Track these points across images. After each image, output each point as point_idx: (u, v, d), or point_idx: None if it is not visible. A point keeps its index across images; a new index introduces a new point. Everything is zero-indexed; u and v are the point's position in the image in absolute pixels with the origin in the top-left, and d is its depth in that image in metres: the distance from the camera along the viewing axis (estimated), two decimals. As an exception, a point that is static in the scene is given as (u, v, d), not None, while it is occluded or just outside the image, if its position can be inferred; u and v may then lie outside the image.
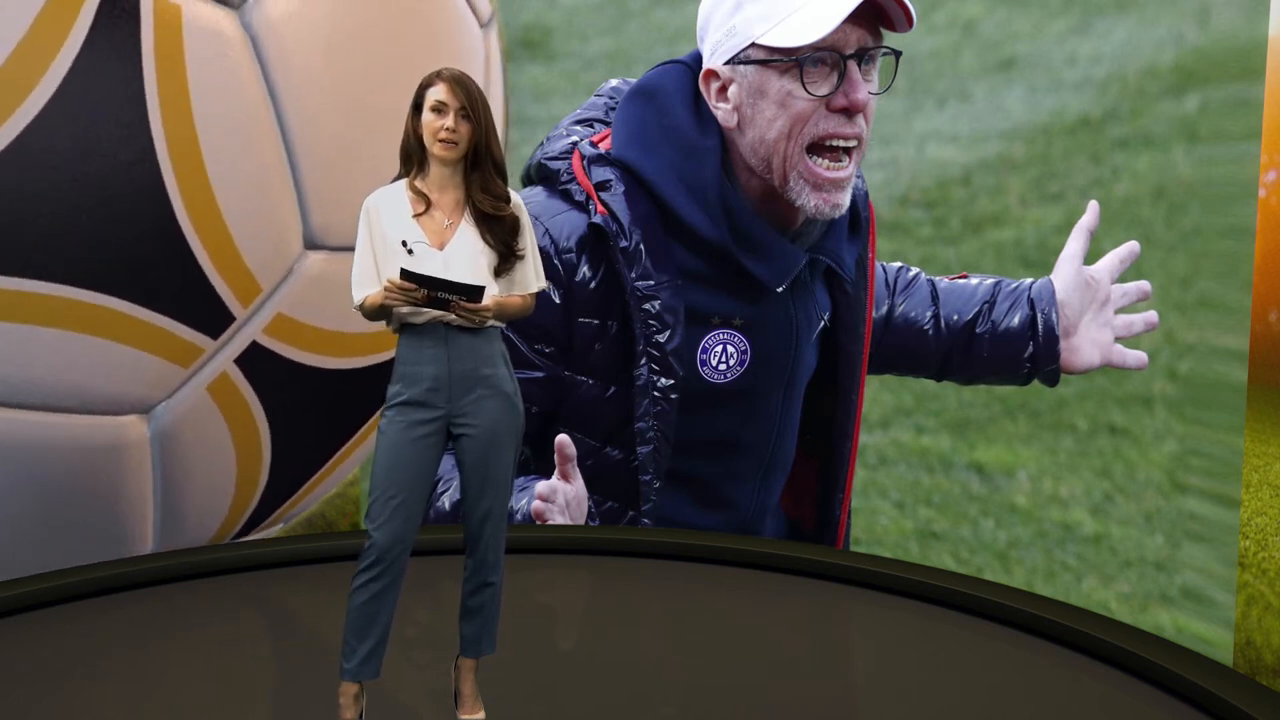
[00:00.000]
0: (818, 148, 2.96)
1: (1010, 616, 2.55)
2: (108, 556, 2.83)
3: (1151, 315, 3.44)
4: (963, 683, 2.34)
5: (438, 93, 1.92)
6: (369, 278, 1.94)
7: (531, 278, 2.00)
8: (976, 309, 3.40)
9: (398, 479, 1.92)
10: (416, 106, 1.95)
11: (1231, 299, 3.67)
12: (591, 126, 3.24)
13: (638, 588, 2.85)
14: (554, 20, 5.02)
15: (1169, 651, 2.31)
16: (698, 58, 3.10)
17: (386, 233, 1.93)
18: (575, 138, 3.19)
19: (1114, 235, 3.66)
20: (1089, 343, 3.39)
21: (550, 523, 2.94)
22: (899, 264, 3.52)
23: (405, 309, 1.91)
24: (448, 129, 1.91)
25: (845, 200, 3.00)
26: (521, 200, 2.00)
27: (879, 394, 4.48)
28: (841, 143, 2.95)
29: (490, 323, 1.94)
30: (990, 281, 3.45)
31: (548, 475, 2.99)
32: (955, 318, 3.40)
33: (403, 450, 1.93)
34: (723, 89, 3.02)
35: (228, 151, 2.71)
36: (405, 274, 1.86)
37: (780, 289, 3.05)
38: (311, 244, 2.91)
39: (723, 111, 3.03)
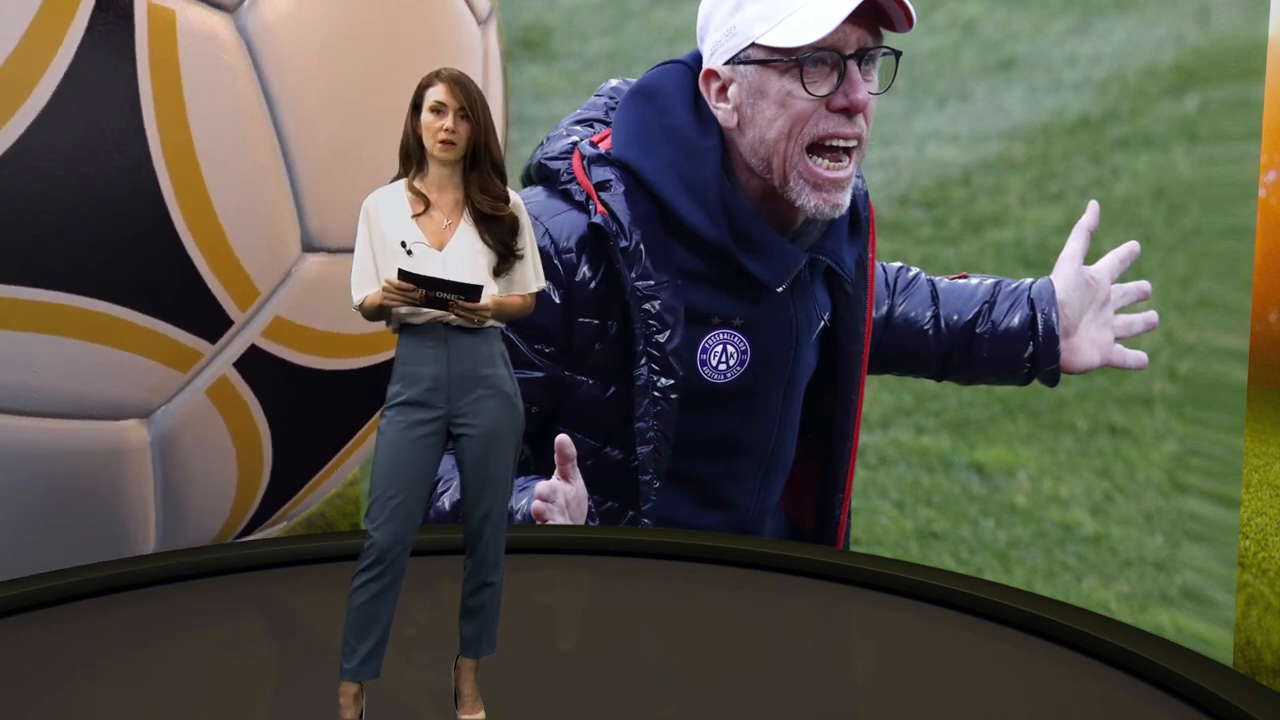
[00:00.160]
0: (818, 148, 2.96)
1: (1010, 616, 2.55)
2: (109, 558, 2.83)
3: (1151, 315, 3.44)
4: (963, 683, 2.34)
5: (437, 93, 1.92)
6: (368, 278, 1.94)
7: (531, 278, 2.00)
8: (976, 309, 3.40)
9: (398, 479, 1.92)
10: (415, 107, 1.95)
11: (1231, 299, 3.67)
12: (591, 126, 3.24)
13: (638, 588, 2.85)
14: (554, 20, 5.02)
15: (1169, 651, 2.31)
16: (698, 58, 3.10)
17: (386, 233, 1.93)
18: (575, 138, 3.19)
19: (1114, 235, 3.66)
20: (1089, 343, 3.39)
21: (550, 523, 2.94)
22: (899, 264, 3.52)
23: (404, 309, 1.91)
24: (446, 129, 1.91)
25: (845, 200, 3.00)
26: (521, 200, 2.00)
27: (879, 394, 4.48)
28: (841, 143, 2.95)
29: (490, 323, 1.94)
30: (990, 281, 3.45)
31: (548, 475, 2.99)
32: (955, 318, 3.40)
33: (403, 450, 1.93)
34: (723, 89, 3.02)
35: (223, 155, 2.71)
36: (403, 274, 1.86)
37: (780, 289, 3.05)
38: (309, 246, 2.91)
39: (723, 111, 3.03)
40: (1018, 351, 3.37)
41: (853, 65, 2.90)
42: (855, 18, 2.84)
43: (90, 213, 2.58)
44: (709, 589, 2.82)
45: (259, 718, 2.25)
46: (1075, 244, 3.39)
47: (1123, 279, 3.43)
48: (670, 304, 3.00)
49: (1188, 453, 3.88)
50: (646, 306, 2.99)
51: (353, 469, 3.58)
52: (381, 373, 2.37)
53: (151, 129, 2.60)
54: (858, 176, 3.13)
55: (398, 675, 2.14)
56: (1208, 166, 3.82)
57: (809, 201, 2.97)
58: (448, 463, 2.42)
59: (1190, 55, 3.91)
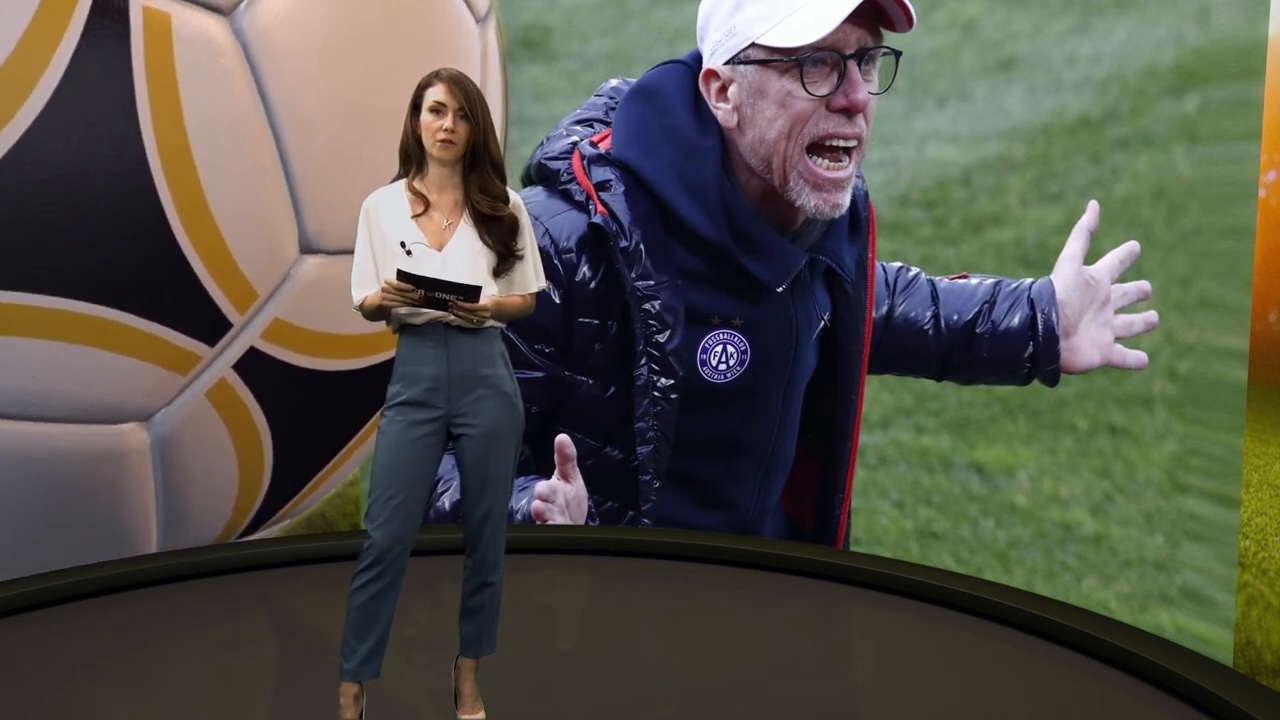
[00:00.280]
0: (818, 148, 2.96)
1: (1010, 616, 2.55)
2: (110, 558, 2.84)
3: (1151, 315, 3.44)
4: (963, 683, 2.34)
5: (436, 93, 1.92)
6: (368, 278, 1.94)
7: (531, 278, 2.00)
8: (976, 309, 3.40)
9: (398, 479, 1.92)
10: (415, 107, 1.95)
11: (1231, 299, 3.68)
12: (591, 126, 3.24)
13: (638, 588, 2.85)
14: (554, 20, 5.02)
15: (1169, 651, 2.31)
16: (698, 58, 3.10)
17: (385, 233, 1.93)
18: (575, 138, 3.19)
19: (1114, 235, 3.66)
20: (1089, 343, 3.39)
21: (550, 523, 2.94)
22: (899, 264, 3.52)
23: (404, 309, 1.91)
24: (446, 129, 1.91)
25: (845, 200, 3.00)
26: (520, 200, 2.00)
27: (879, 394, 4.48)
28: (841, 143, 2.95)
29: (489, 323, 1.94)
30: (990, 281, 3.45)
31: (548, 475, 2.99)
32: (955, 318, 3.40)
33: (403, 450, 1.93)
34: (723, 89, 3.02)
35: (220, 158, 2.70)
36: (402, 275, 1.86)
37: (780, 289, 3.05)
38: (307, 248, 2.91)
39: (723, 111, 3.03)
40: (1018, 351, 3.37)
41: (853, 65, 2.90)
42: (855, 18, 2.84)
43: (87, 216, 2.57)
44: (709, 589, 2.82)
45: (259, 718, 2.25)
46: (1075, 244, 3.39)
47: (1123, 279, 3.43)
48: (670, 304, 3.00)
49: (1188, 453, 3.88)
50: (646, 306, 2.99)
51: (353, 469, 3.58)
52: (381, 373, 2.37)
53: (148, 132, 2.60)
54: (858, 176, 3.14)
55: (398, 675, 2.14)
56: (1208, 166, 3.82)
57: (809, 201, 2.97)
58: (448, 463, 2.42)
59: (1190, 55, 3.91)
